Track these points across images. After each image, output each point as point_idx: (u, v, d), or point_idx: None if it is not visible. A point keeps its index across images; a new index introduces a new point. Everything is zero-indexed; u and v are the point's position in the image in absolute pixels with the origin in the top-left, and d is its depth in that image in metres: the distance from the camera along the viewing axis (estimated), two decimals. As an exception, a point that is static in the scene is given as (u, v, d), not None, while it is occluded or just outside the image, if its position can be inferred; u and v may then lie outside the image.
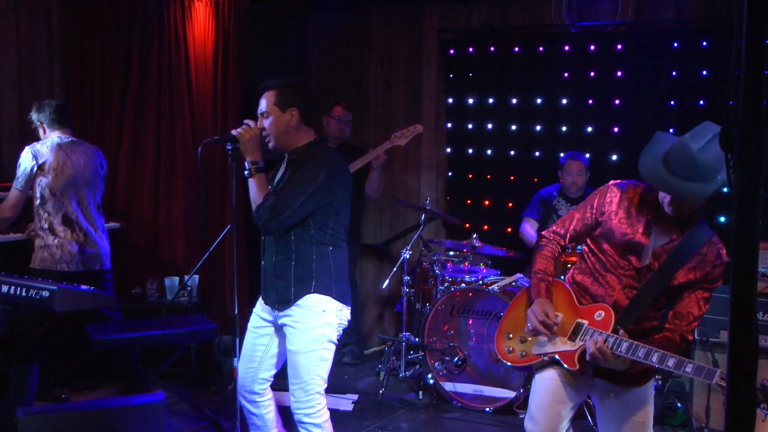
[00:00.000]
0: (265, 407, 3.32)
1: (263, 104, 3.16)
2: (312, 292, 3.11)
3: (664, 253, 2.72)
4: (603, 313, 2.77)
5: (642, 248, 2.75)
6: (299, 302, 3.12)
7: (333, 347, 3.19)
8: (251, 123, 3.15)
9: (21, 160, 4.33)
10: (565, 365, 2.78)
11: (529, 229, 5.37)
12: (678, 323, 2.70)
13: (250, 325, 3.32)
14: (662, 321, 2.81)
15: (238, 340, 3.15)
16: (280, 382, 3.34)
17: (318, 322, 3.12)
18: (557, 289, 2.94)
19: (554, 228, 3.01)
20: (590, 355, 2.67)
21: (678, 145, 2.58)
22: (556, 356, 2.81)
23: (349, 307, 3.23)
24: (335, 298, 3.15)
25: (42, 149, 4.34)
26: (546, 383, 2.87)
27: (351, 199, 3.25)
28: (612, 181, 2.90)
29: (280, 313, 3.18)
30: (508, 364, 2.98)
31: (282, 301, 3.16)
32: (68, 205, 4.39)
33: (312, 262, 3.13)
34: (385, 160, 5.37)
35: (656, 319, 2.80)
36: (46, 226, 4.34)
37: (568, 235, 2.96)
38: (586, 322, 2.79)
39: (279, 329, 3.27)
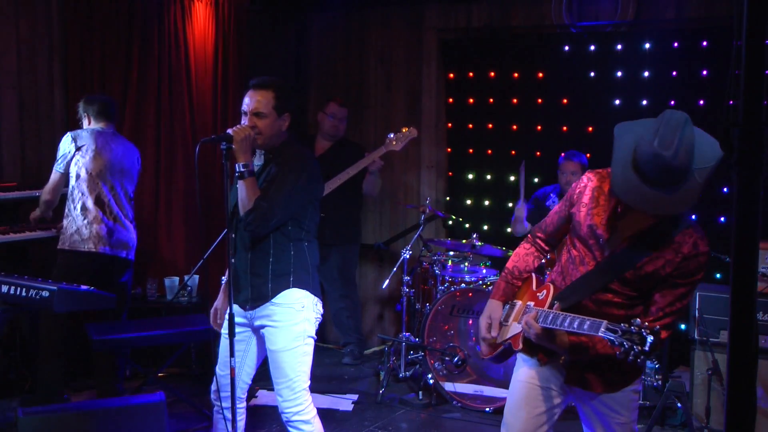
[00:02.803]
0: (239, 414, 3.33)
1: (260, 104, 3.11)
2: (291, 287, 3.14)
3: (626, 243, 2.56)
4: (545, 292, 2.74)
5: (605, 241, 2.59)
6: (278, 300, 3.13)
7: (313, 342, 3.23)
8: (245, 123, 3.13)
9: (61, 144, 4.51)
10: (514, 347, 2.76)
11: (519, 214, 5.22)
12: (642, 318, 2.49)
13: (223, 331, 3.24)
14: (635, 316, 2.59)
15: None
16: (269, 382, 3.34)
17: (298, 318, 3.15)
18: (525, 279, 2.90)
19: (535, 226, 2.96)
20: (522, 329, 2.65)
21: (648, 155, 2.35)
22: (509, 342, 2.78)
23: (321, 301, 3.27)
24: (311, 292, 3.20)
25: (82, 134, 4.53)
26: (519, 386, 2.80)
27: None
28: (590, 170, 2.76)
29: (257, 314, 3.18)
30: (483, 358, 2.97)
31: (256, 298, 3.16)
32: (101, 187, 4.51)
33: (290, 257, 3.16)
34: (381, 164, 5.37)
35: (623, 316, 2.59)
36: (78, 205, 4.46)
37: (547, 229, 2.87)
38: (531, 303, 2.77)
39: (255, 331, 3.26)
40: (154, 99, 5.51)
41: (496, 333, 2.83)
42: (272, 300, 3.14)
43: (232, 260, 3.22)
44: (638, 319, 2.34)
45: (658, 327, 2.32)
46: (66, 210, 4.53)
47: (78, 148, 4.46)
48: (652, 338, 2.27)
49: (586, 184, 2.69)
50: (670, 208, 2.40)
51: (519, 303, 2.85)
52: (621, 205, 2.56)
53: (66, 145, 4.48)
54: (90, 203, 4.47)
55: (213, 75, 5.72)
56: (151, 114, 5.50)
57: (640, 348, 2.28)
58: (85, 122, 4.64)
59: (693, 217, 2.58)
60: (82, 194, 4.47)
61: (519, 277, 2.90)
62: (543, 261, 2.98)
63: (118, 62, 5.37)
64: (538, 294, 2.78)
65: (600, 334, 2.38)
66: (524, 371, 2.80)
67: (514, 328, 2.78)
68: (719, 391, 4.24)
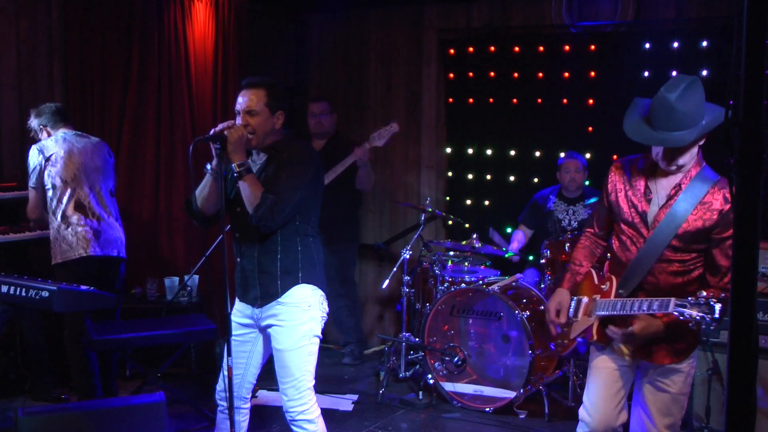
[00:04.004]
0: (243, 414, 3.32)
1: (253, 102, 3.11)
2: (300, 283, 3.15)
3: (664, 212, 2.82)
4: (608, 284, 2.96)
5: (646, 216, 2.87)
6: (285, 298, 3.13)
7: (318, 342, 3.23)
8: (238, 121, 3.12)
9: (29, 159, 4.42)
10: (589, 339, 2.97)
11: (519, 236, 5.46)
12: (715, 281, 2.78)
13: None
14: (694, 280, 2.85)
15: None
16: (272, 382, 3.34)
17: (304, 317, 3.15)
18: (585, 275, 3.13)
19: (585, 224, 3.24)
20: (614, 340, 2.88)
21: (656, 99, 2.74)
22: (584, 336, 2.99)
23: (327, 298, 3.27)
24: (319, 287, 3.21)
25: (47, 144, 4.44)
26: (596, 372, 3.01)
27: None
28: (615, 161, 3.07)
29: (263, 314, 3.18)
30: (560, 355, 3.24)
31: (265, 296, 3.15)
32: (80, 191, 4.45)
33: (297, 253, 3.17)
34: (367, 157, 5.37)
35: (681, 283, 2.84)
36: (60, 215, 4.40)
37: (596, 223, 3.15)
38: (598, 296, 2.97)
39: (262, 331, 3.26)
40: (154, 99, 5.50)
41: (564, 319, 3.07)
42: (281, 297, 3.14)
43: (239, 259, 3.22)
44: (704, 292, 2.59)
45: (723, 295, 2.59)
46: (48, 223, 4.47)
47: (47, 159, 4.38)
48: (720, 305, 2.52)
49: (615, 171, 3.00)
50: (673, 142, 2.71)
51: (585, 299, 3.04)
52: (649, 179, 2.88)
53: (34, 159, 4.39)
54: (70, 210, 4.40)
55: (213, 75, 5.72)
56: (151, 114, 5.49)
57: (710, 317, 2.53)
58: (44, 135, 4.53)
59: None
60: (61, 203, 4.40)
61: (579, 265, 3.14)
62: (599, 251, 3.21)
63: (118, 62, 5.36)
64: (602, 286, 2.98)
65: (671, 311, 2.62)
66: (600, 358, 3.01)
67: (584, 321, 3.00)
68: (719, 391, 4.24)
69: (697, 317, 2.55)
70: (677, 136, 2.68)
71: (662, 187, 2.87)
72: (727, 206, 2.73)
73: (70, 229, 4.39)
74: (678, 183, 2.84)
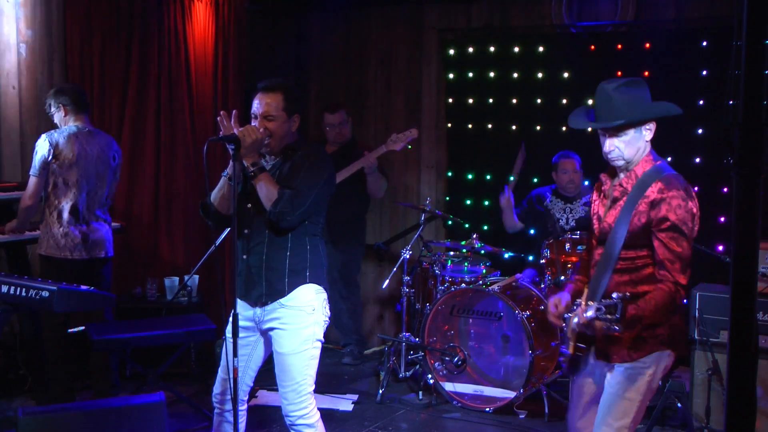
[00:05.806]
0: (240, 416, 3.31)
1: (270, 107, 3.10)
2: (307, 282, 3.15)
3: (613, 216, 2.80)
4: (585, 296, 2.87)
5: (601, 220, 2.88)
6: (289, 300, 3.12)
7: (320, 345, 3.22)
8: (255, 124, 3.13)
9: (37, 147, 4.43)
10: (569, 353, 2.90)
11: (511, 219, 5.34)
12: (662, 273, 2.68)
13: (226, 334, 3.22)
14: (645, 278, 2.78)
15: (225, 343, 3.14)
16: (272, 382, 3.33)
17: (308, 321, 3.14)
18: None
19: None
20: (576, 330, 2.78)
21: (596, 91, 2.85)
22: (567, 349, 2.92)
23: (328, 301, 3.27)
24: (325, 288, 3.22)
25: (59, 139, 4.44)
26: (578, 381, 2.99)
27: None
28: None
29: (266, 317, 3.16)
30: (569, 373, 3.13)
31: (270, 293, 3.13)
32: (78, 194, 4.46)
33: (306, 252, 3.16)
34: (375, 164, 5.37)
35: (628, 281, 2.79)
36: (54, 213, 4.43)
37: (591, 237, 3.10)
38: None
39: (263, 334, 3.24)
40: (154, 99, 5.50)
41: (561, 312, 2.93)
42: (286, 296, 3.12)
43: (244, 256, 3.19)
44: (616, 293, 2.53)
45: (628, 294, 2.53)
46: (42, 215, 4.49)
47: (55, 156, 4.39)
48: (621, 304, 2.47)
49: (595, 188, 3.04)
50: (602, 124, 2.85)
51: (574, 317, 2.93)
52: (606, 185, 2.91)
53: (43, 149, 4.39)
54: (65, 212, 4.42)
55: (213, 75, 5.72)
56: (151, 114, 5.49)
57: (611, 316, 2.50)
58: (60, 114, 4.51)
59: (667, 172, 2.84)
60: (59, 202, 4.42)
61: (580, 277, 3.06)
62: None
63: (118, 62, 5.36)
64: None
65: (593, 315, 2.58)
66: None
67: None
68: (719, 391, 4.24)
69: (605, 318, 2.52)
70: (611, 119, 2.74)
71: (613, 190, 2.85)
72: (659, 196, 2.66)
73: (61, 229, 4.41)
74: (624, 184, 2.80)
